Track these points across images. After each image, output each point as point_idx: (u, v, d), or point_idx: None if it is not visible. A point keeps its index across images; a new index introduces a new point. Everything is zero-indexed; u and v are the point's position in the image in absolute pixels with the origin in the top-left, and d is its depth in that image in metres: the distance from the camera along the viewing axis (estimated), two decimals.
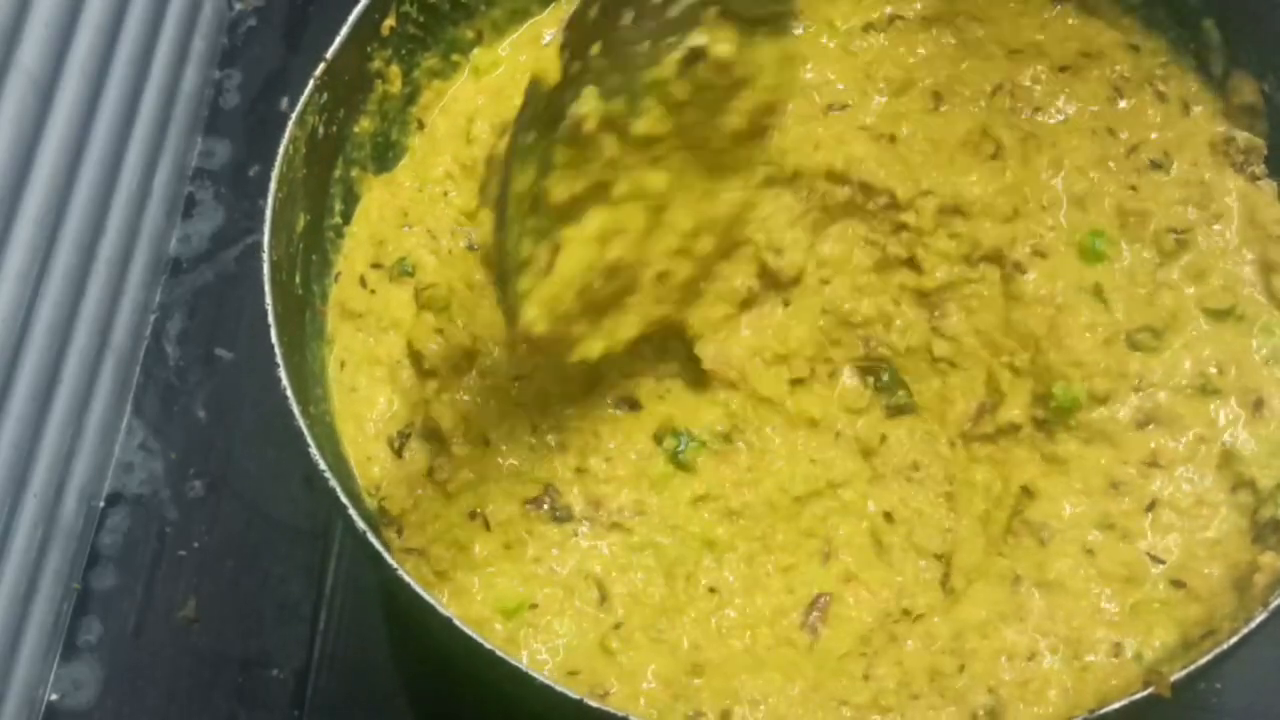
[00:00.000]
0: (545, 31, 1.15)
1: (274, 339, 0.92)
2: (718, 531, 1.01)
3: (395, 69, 1.08)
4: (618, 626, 0.97)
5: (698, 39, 0.94)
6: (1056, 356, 1.01)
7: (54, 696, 1.18)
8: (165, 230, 1.34)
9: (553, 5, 1.15)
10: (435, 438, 1.01)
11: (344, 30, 1.02)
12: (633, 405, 1.04)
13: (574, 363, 0.98)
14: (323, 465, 0.89)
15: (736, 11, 0.94)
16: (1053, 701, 0.92)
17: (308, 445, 0.89)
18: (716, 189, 1.00)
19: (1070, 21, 1.13)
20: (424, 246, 1.08)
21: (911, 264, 1.06)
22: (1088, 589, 0.96)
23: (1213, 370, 1.01)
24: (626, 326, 1.00)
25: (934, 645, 0.95)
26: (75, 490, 1.21)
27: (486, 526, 0.99)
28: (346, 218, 1.08)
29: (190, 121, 1.38)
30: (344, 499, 0.88)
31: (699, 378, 1.05)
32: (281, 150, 0.97)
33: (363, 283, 1.07)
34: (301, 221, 1.02)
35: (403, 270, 1.07)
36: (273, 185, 0.96)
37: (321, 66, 1.00)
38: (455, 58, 1.13)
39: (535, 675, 0.84)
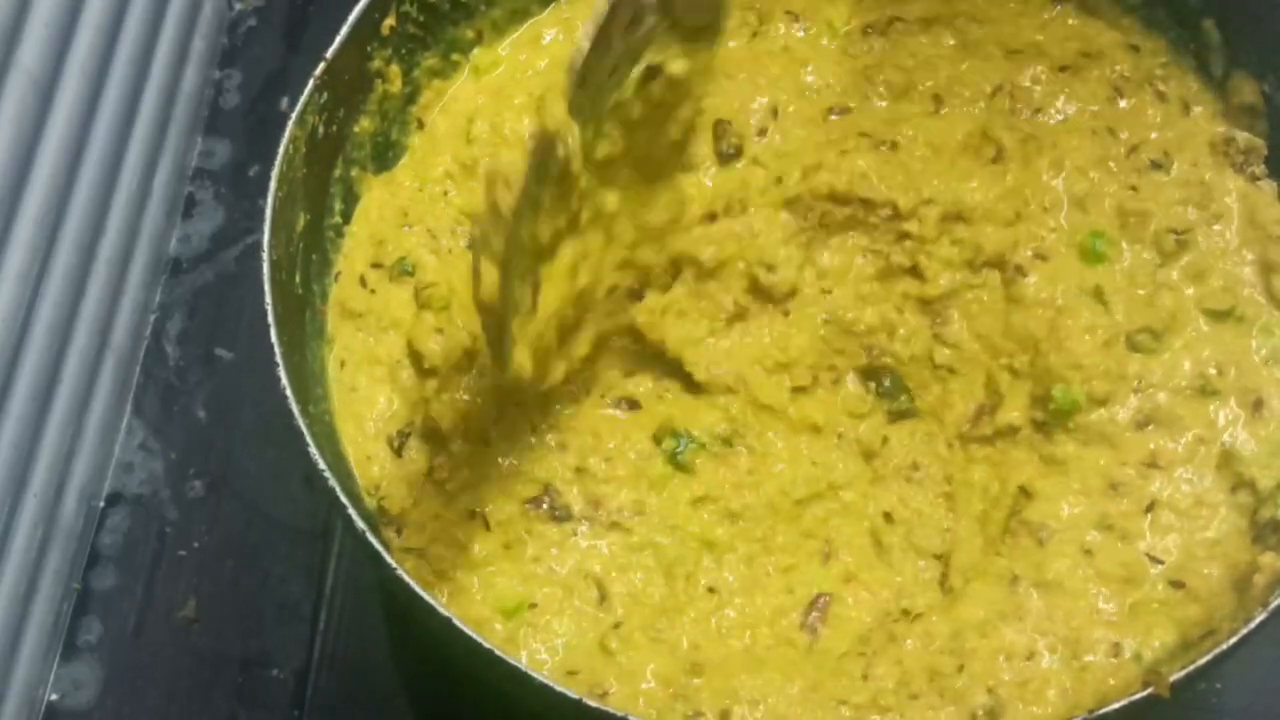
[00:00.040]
0: (545, 31, 1.15)
1: (274, 339, 0.92)
2: (717, 532, 1.01)
3: (395, 69, 1.08)
4: (617, 626, 0.97)
5: (654, 56, 0.95)
6: (1056, 359, 1.01)
7: (54, 696, 1.18)
8: (165, 230, 1.34)
9: (553, 5, 1.15)
10: (435, 437, 1.01)
11: (344, 30, 1.02)
12: (632, 405, 1.04)
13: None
14: (322, 465, 0.89)
15: (682, 24, 0.94)
16: (1052, 701, 0.92)
17: (308, 445, 0.89)
18: (653, 197, 1.02)
19: (1070, 22, 1.13)
20: (424, 246, 1.08)
21: (914, 272, 1.06)
22: (1086, 589, 0.96)
23: (1212, 371, 1.01)
24: (582, 344, 1.02)
25: (933, 645, 0.95)
26: (75, 490, 1.21)
27: (486, 526, 0.99)
28: (346, 217, 1.08)
29: (190, 121, 1.38)
30: (344, 499, 0.89)
31: (697, 382, 1.05)
32: (281, 150, 0.97)
33: (363, 282, 1.07)
34: (301, 221, 1.02)
35: (403, 270, 1.07)
36: (273, 185, 0.96)
37: (321, 66, 1.00)
38: (455, 57, 1.13)
39: (535, 675, 0.84)
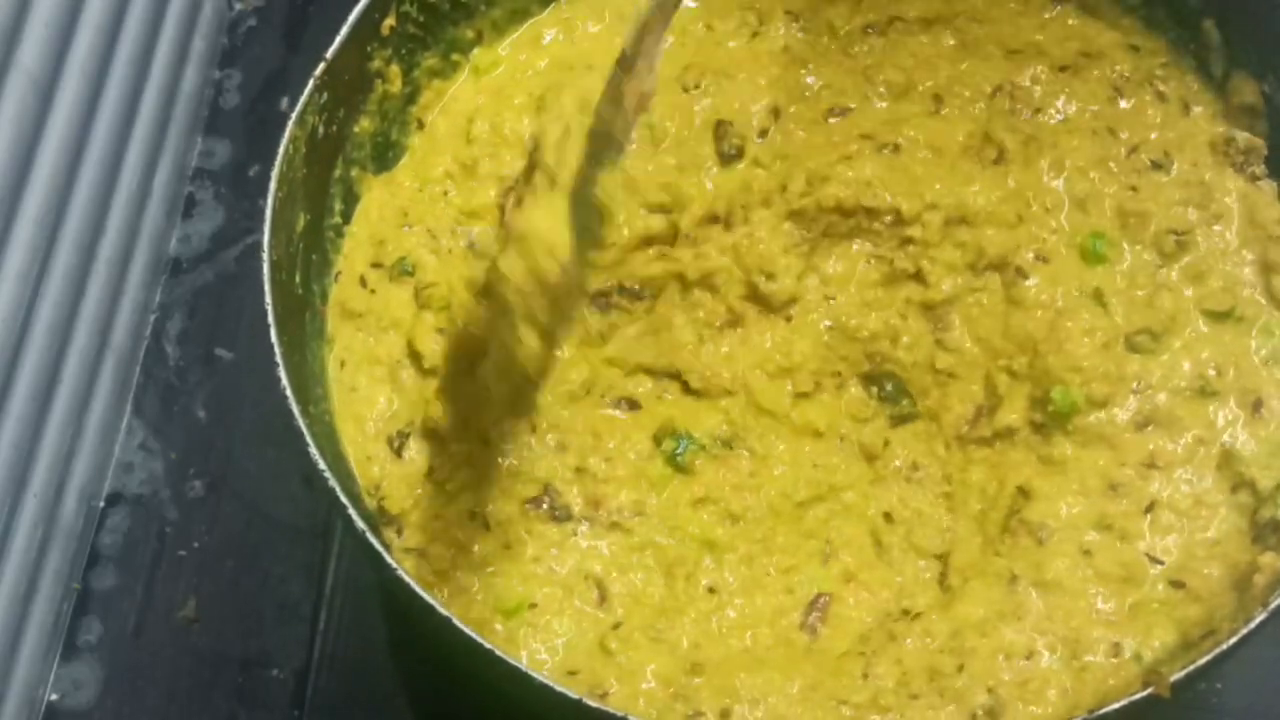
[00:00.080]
0: (545, 31, 1.15)
1: (274, 339, 0.92)
2: (717, 533, 1.01)
3: (395, 69, 1.08)
4: (617, 626, 0.97)
5: None
6: (1055, 361, 1.01)
7: (54, 696, 1.18)
8: (165, 230, 1.34)
9: (553, 5, 1.15)
10: (435, 437, 1.01)
11: (344, 30, 1.02)
12: (633, 406, 1.05)
13: None
14: (322, 465, 0.89)
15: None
16: (1052, 701, 0.92)
17: (308, 445, 0.89)
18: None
19: (1070, 22, 1.13)
20: (424, 246, 1.08)
21: (917, 277, 1.06)
22: (1085, 589, 0.96)
23: (1212, 372, 1.01)
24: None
25: (932, 644, 0.95)
26: (75, 490, 1.21)
27: (486, 526, 0.99)
28: (346, 218, 1.08)
29: (190, 121, 1.38)
30: (344, 499, 0.89)
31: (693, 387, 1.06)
32: (281, 150, 0.97)
33: (363, 283, 1.07)
34: (301, 221, 1.02)
35: (403, 270, 1.07)
36: (273, 185, 0.96)
37: (321, 66, 1.00)
38: (455, 58, 1.13)
39: (535, 675, 0.84)
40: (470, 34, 1.13)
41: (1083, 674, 0.93)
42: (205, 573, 1.22)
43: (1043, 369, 1.02)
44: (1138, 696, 0.86)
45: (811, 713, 0.93)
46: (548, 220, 0.87)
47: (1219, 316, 1.03)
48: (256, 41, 1.44)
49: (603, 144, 0.90)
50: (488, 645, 0.84)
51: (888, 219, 1.06)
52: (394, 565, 0.86)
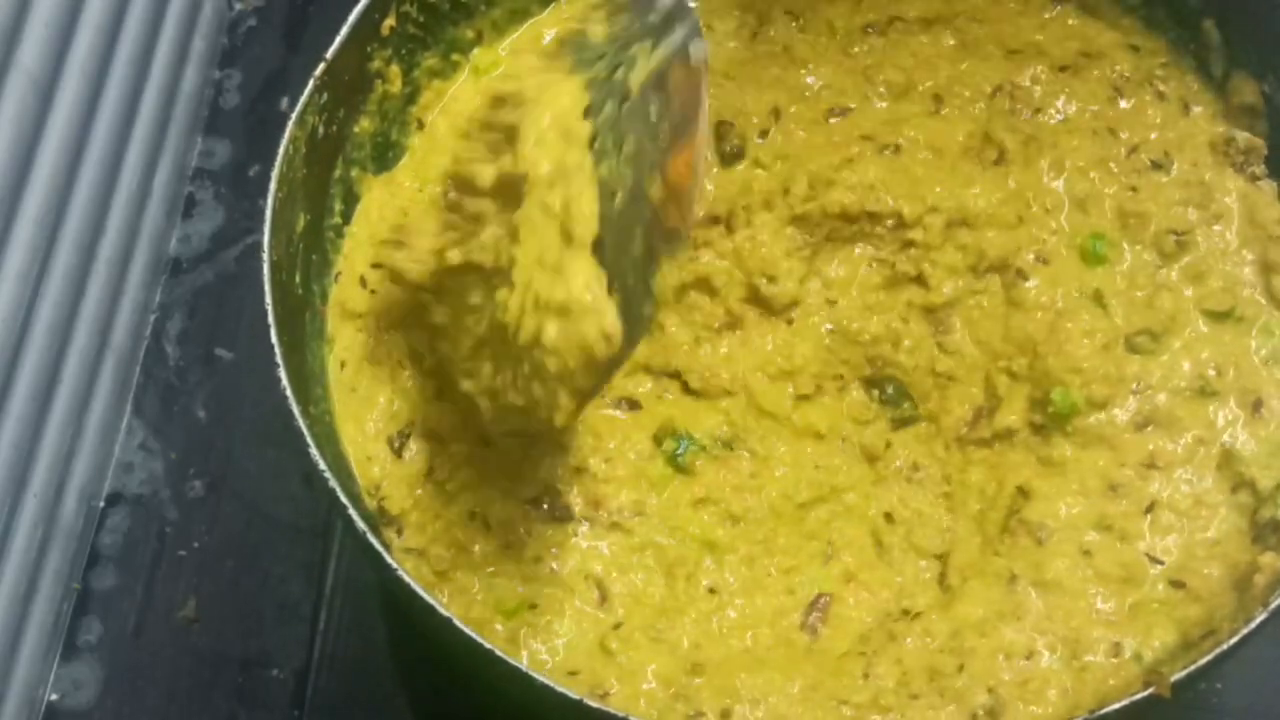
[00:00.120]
0: (545, 31, 1.15)
1: (274, 339, 0.92)
2: (718, 533, 1.01)
3: (395, 69, 1.08)
4: (618, 626, 0.97)
5: None
6: (1055, 362, 1.01)
7: (54, 696, 1.18)
8: (165, 230, 1.34)
9: (553, 5, 1.15)
10: (435, 438, 1.01)
11: (344, 30, 1.02)
12: (633, 406, 1.05)
13: None
14: (323, 465, 0.89)
15: None
16: (1052, 701, 0.92)
17: (308, 445, 0.89)
18: None
19: (1070, 22, 1.13)
20: None
21: (919, 280, 1.06)
22: (1085, 589, 0.96)
23: (1211, 372, 1.01)
24: None
25: (932, 643, 0.95)
26: (75, 490, 1.21)
27: (486, 526, 0.99)
28: (346, 218, 1.08)
29: (190, 121, 1.38)
30: (344, 499, 0.88)
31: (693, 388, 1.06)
32: (281, 150, 0.97)
33: (363, 283, 1.07)
34: (301, 221, 1.02)
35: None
36: (273, 185, 0.96)
37: (321, 66, 1.00)
38: (455, 58, 1.13)
39: (535, 675, 0.84)
40: (470, 34, 1.13)
41: (1083, 674, 0.93)
42: (205, 573, 1.22)
43: (1042, 370, 1.02)
44: (1138, 696, 0.86)
45: (812, 713, 0.93)
46: (592, 296, 0.81)
47: (1219, 316, 1.03)
48: (256, 41, 1.44)
49: (648, 229, 0.85)
50: (488, 645, 0.84)
51: (889, 222, 1.06)
52: (394, 565, 0.86)
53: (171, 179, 1.34)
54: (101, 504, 1.25)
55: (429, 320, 0.95)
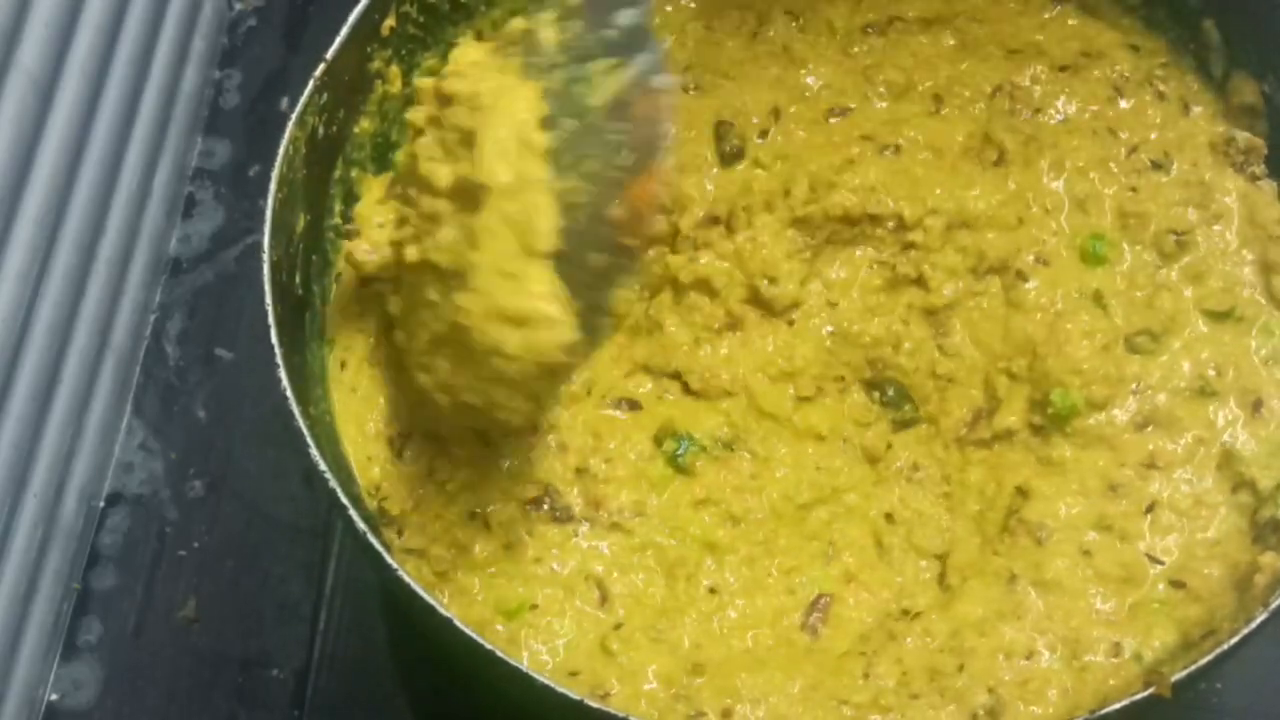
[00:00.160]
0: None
1: (274, 339, 0.92)
2: (718, 534, 1.01)
3: (395, 69, 1.08)
4: (618, 627, 0.97)
5: None
6: (1055, 363, 1.01)
7: (54, 696, 1.18)
8: (165, 230, 1.34)
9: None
10: (435, 438, 1.01)
11: (344, 30, 1.02)
12: (633, 406, 1.05)
13: None
14: (323, 465, 0.89)
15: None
16: (1052, 701, 0.92)
17: (308, 446, 0.89)
18: None
19: (1070, 22, 1.13)
20: None
21: (919, 282, 1.06)
22: (1085, 589, 0.96)
23: (1211, 372, 1.01)
24: None
25: (932, 643, 0.95)
26: (75, 490, 1.21)
27: (487, 527, 0.99)
28: (346, 218, 1.08)
29: (190, 121, 1.38)
30: (344, 499, 0.88)
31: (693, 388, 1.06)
32: (281, 150, 0.97)
33: (336, 279, 1.07)
34: (301, 222, 1.02)
35: None
36: (273, 185, 0.96)
37: (321, 66, 1.00)
38: None
39: (536, 676, 0.84)
40: (470, 34, 1.12)
41: (1083, 674, 0.93)
42: (205, 573, 1.22)
43: (1042, 372, 1.02)
44: (1138, 696, 0.86)
45: (812, 712, 0.93)
46: (549, 308, 0.84)
47: (1219, 316, 1.03)
48: (256, 41, 1.44)
49: (604, 245, 0.87)
50: (488, 646, 0.84)
51: (890, 224, 1.06)
52: (395, 566, 0.86)
53: (171, 179, 1.34)
54: (101, 504, 1.25)
55: (386, 309, 0.98)
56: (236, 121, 1.40)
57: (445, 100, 0.90)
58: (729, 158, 1.09)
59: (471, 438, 1.01)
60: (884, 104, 1.11)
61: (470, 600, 0.97)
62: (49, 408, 1.16)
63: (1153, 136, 1.08)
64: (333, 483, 0.89)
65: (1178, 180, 1.06)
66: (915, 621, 0.97)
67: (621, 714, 0.83)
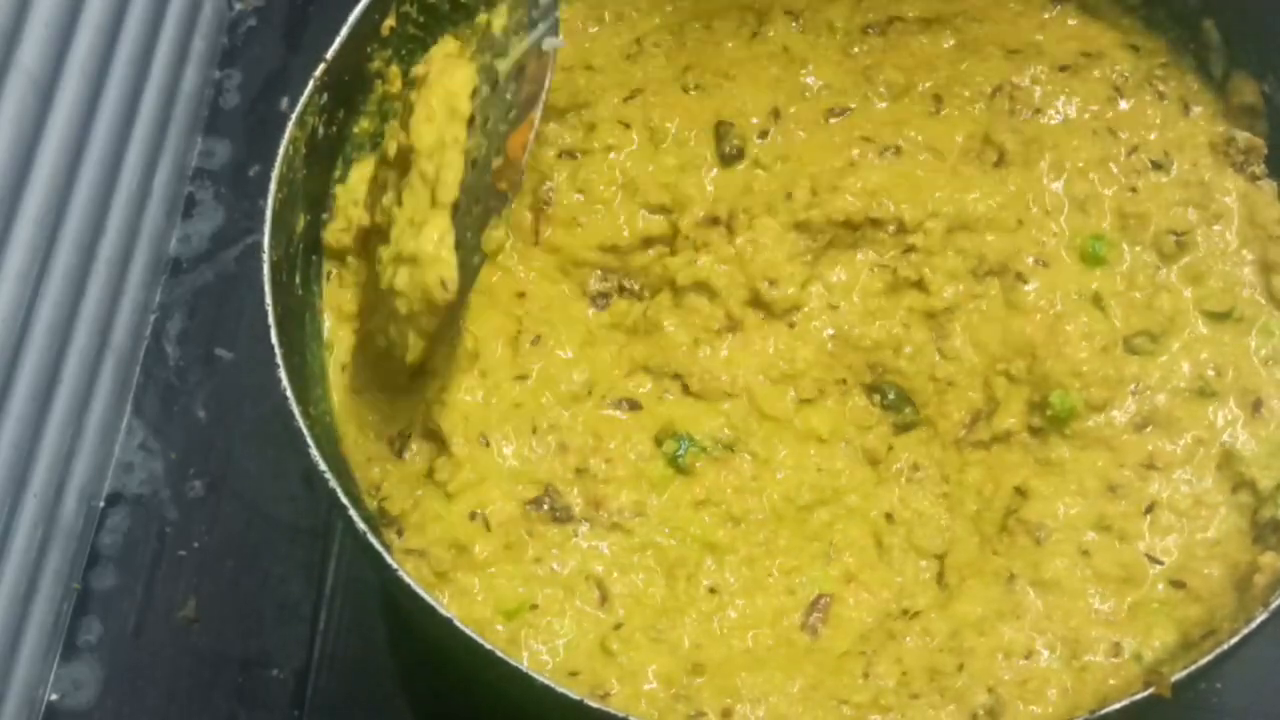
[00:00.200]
0: None
1: (274, 339, 0.92)
2: (718, 534, 1.01)
3: (395, 69, 1.08)
4: (618, 627, 0.97)
5: None
6: (1054, 365, 1.01)
7: (54, 696, 1.18)
8: (165, 230, 1.34)
9: None
10: (435, 438, 1.01)
11: (344, 30, 1.02)
12: (633, 406, 1.04)
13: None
14: (323, 466, 0.89)
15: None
16: (1052, 701, 0.92)
17: (308, 445, 0.89)
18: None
19: (1070, 22, 1.13)
20: None
21: (920, 285, 1.06)
22: (1084, 589, 0.96)
23: (1211, 372, 1.01)
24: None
25: (932, 642, 0.95)
26: (75, 490, 1.21)
27: (487, 527, 0.98)
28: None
29: (190, 121, 1.38)
30: (344, 499, 0.88)
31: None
32: (281, 151, 0.97)
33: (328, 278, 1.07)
34: (301, 221, 1.02)
35: None
36: (273, 186, 0.96)
37: (321, 67, 1.00)
38: None
39: (536, 676, 0.84)
40: (470, 34, 1.12)
41: (1083, 674, 0.93)
42: (205, 573, 1.22)
43: (1041, 373, 1.02)
44: (1138, 696, 0.86)
45: (812, 712, 0.93)
46: (439, 249, 0.93)
47: (1219, 317, 1.03)
48: (256, 41, 1.44)
49: (485, 190, 0.96)
50: (489, 646, 0.84)
51: (891, 228, 1.06)
52: (395, 566, 0.86)
53: (171, 179, 1.34)
54: (101, 504, 1.25)
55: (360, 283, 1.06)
56: (236, 121, 1.40)
57: (410, 83, 1.02)
58: (729, 158, 1.09)
59: (472, 436, 1.01)
60: (884, 104, 1.11)
61: (470, 600, 0.96)
62: (49, 408, 1.16)
63: (1153, 137, 1.08)
64: (333, 483, 0.89)
65: (1178, 180, 1.06)
66: (915, 621, 0.97)
67: (621, 714, 0.83)
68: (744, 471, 1.03)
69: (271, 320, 0.93)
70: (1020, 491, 1.00)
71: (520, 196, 1.07)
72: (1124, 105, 1.10)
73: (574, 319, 1.07)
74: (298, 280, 1.01)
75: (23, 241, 1.09)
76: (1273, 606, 0.86)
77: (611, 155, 1.08)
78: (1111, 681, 0.92)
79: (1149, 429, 1.00)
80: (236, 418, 1.27)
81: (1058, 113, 1.10)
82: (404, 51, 1.08)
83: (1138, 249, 1.05)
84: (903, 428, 1.05)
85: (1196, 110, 1.09)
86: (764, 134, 1.10)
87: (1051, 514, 0.99)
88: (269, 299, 0.93)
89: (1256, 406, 1.00)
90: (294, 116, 0.98)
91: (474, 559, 0.97)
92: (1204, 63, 1.10)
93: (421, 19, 1.08)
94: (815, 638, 0.98)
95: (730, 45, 1.14)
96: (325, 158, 1.04)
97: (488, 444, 1.01)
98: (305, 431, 0.89)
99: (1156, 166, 1.07)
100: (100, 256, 1.22)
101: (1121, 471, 0.99)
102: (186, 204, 1.37)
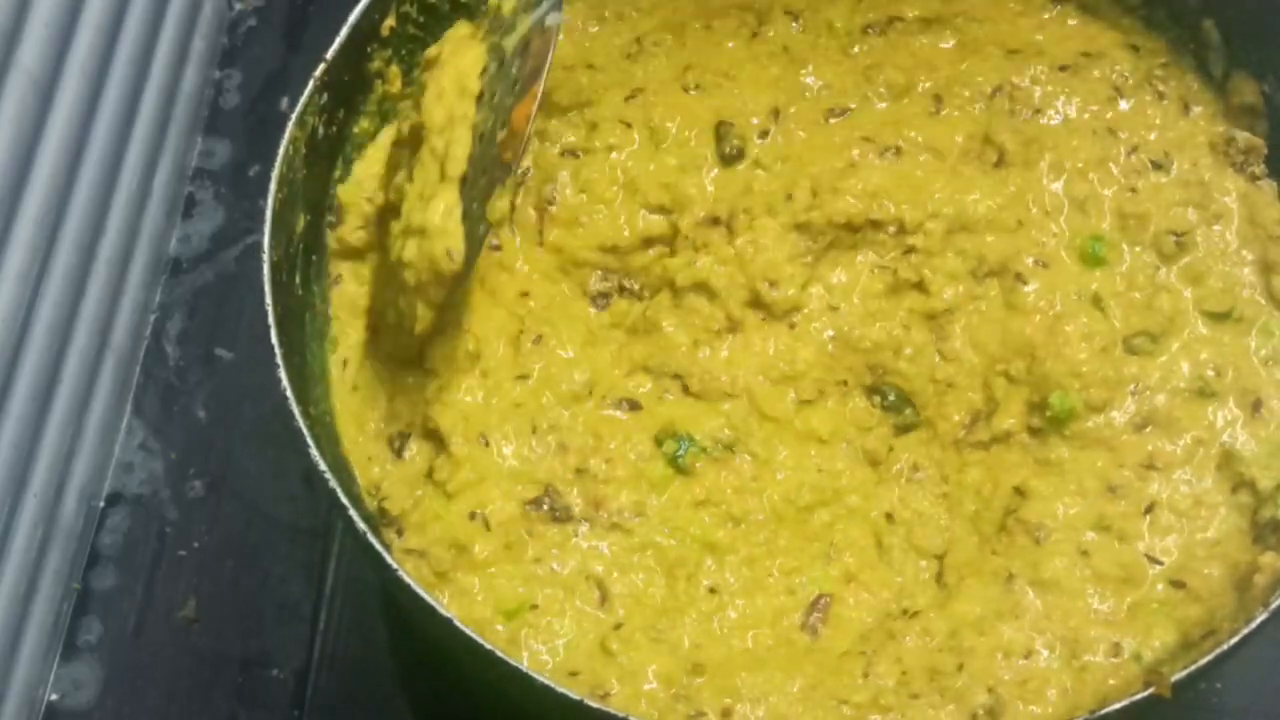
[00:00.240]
0: None
1: (274, 339, 0.92)
2: (718, 535, 1.01)
3: (395, 69, 1.08)
4: (618, 627, 0.97)
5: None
6: (1054, 366, 1.01)
7: (54, 696, 1.18)
8: (165, 230, 1.34)
9: None
10: (435, 437, 1.01)
11: (344, 30, 1.02)
12: (633, 406, 1.04)
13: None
14: (323, 466, 0.89)
15: None
16: (1052, 701, 0.92)
17: (308, 445, 0.89)
18: None
19: (1070, 22, 1.13)
20: None
21: (920, 286, 1.06)
22: (1083, 589, 0.96)
23: (1211, 373, 1.01)
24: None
25: (931, 642, 0.96)
26: (75, 490, 1.21)
27: (487, 527, 0.98)
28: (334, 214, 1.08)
29: (190, 121, 1.38)
30: (344, 499, 0.88)
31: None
32: (281, 151, 0.97)
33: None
34: (301, 221, 1.02)
35: None
36: (273, 186, 0.96)
37: (321, 67, 1.00)
38: None
39: (536, 676, 0.84)
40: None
41: (1083, 674, 0.93)
42: (205, 573, 1.22)
43: (1040, 374, 1.02)
44: (1138, 696, 0.86)
45: (812, 712, 0.93)
46: (446, 221, 0.95)
47: (1218, 317, 1.03)
48: (256, 41, 1.44)
49: (490, 161, 0.98)
50: (489, 646, 0.84)
51: (891, 229, 1.06)
52: (395, 566, 0.86)
53: (171, 179, 1.34)
54: (101, 504, 1.25)
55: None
56: (236, 121, 1.40)
57: (426, 64, 1.04)
58: (729, 158, 1.09)
59: (472, 436, 1.01)
60: (884, 104, 1.11)
61: (470, 600, 0.96)
62: (49, 408, 1.16)
63: (1153, 137, 1.08)
64: (333, 483, 0.89)
65: (1178, 180, 1.06)
66: (914, 621, 0.97)
67: (621, 714, 0.83)
68: (744, 472, 1.03)
69: (271, 320, 0.93)
70: (1019, 491, 1.00)
71: (525, 195, 1.08)
72: (1124, 105, 1.10)
73: (575, 319, 1.07)
74: (298, 280, 1.01)
75: (23, 241, 1.09)
76: (1273, 606, 0.86)
77: (613, 155, 1.08)
78: (1111, 681, 0.92)
79: (1149, 429, 1.00)
80: (236, 418, 1.28)
81: (1058, 113, 1.10)
82: (404, 51, 1.08)
83: (1137, 249, 1.05)
84: (903, 429, 1.05)
85: (1196, 110, 1.09)
86: (764, 134, 1.10)
87: (1051, 514, 0.99)
88: (269, 299, 0.93)
89: (1256, 406, 1.00)
90: (294, 116, 0.98)
91: (474, 559, 0.97)
92: (1204, 63, 1.10)
93: (421, 19, 1.08)
94: (815, 638, 0.98)
95: (730, 45, 1.14)
96: (325, 158, 1.04)
97: (487, 444, 1.01)
98: (305, 431, 0.89)
99: (1156, 166, 1.07)
100: (100, 256, 1.22)
101: (1121, 472, 0.99)
102: (186, 204, 1.37)
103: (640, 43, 1.14)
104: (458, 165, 0.96)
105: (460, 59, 0.99)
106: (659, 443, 1.03)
